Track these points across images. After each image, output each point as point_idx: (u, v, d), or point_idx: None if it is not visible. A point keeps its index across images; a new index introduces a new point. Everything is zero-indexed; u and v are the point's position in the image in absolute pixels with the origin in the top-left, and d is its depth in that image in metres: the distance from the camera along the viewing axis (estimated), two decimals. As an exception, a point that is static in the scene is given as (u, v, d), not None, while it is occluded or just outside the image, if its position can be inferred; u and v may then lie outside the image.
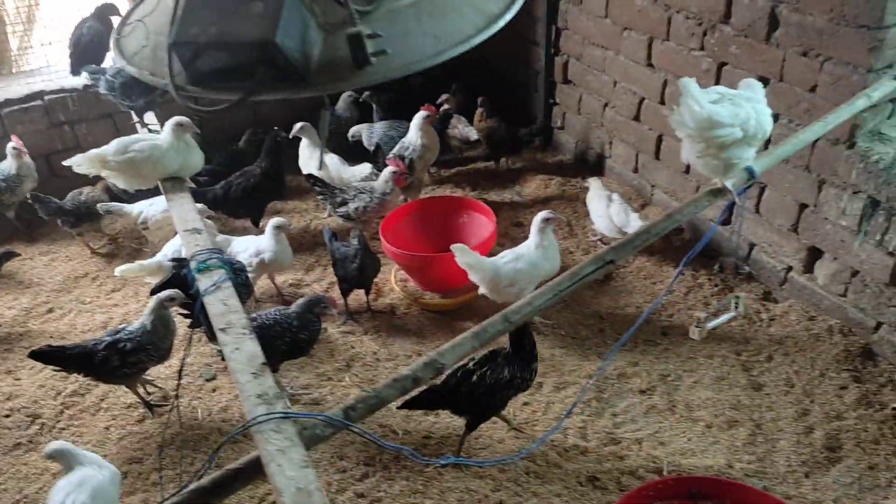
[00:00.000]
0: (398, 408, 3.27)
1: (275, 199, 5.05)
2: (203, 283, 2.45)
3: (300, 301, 3.44)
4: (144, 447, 3.37)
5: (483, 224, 4.53)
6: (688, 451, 3.27)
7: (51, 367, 3.44)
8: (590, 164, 5.49)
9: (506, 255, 3.98)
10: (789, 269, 4.04)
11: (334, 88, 1.93)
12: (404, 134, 5.10)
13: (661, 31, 4.41)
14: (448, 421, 3.48)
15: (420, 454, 2.97)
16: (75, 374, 3.50)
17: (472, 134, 5.58)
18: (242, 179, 4.68)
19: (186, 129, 3.13)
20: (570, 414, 3.30)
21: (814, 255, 3.89)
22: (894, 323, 3.53)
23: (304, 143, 5.07)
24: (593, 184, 4.69)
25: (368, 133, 5.34)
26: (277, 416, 1.86)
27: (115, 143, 3.15)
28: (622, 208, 4.37)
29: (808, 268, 3.94)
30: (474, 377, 3.14)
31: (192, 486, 1.80)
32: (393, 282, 4.47)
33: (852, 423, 3.31)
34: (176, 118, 3.14)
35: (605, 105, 5.16)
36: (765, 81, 3.62)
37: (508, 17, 2.21)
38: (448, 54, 2.05)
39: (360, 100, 5.58)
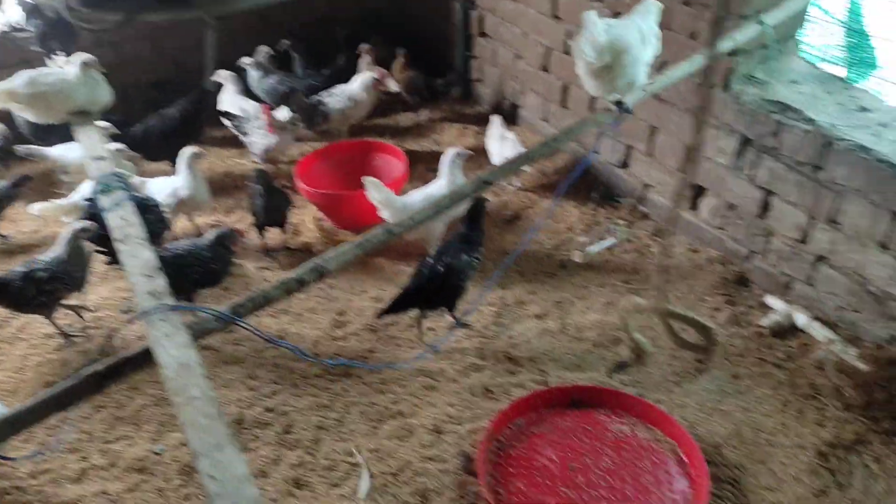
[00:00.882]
0: (377, 317, 3.59)
1: (192, 142, 5.14)
2: (105, 202, 2.61)
3: (210, 232, 3.60)
4: (61, 372, 3.50)
5: (395, 166, 4.73)
6: (574, 366, 3.57)
7: (-33, 298, 3.54)
8: (505, 114, 5.70)
9: (415, 195, 4.19)
10: (677, 206, 4.37)
11: (215, 11, 2.11)
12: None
13: (564, -18, 4.65)
14: (357, 345, 3.71)
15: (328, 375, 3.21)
16: (-6, 306, 3.60)
17: (393, 85, 5.74)
18: (159, 122, 4.74)
19: (91, 65, 3.23)
20: (459, 324, 3.66)
21: (698, 192, 4.23)
22: (762, 251, 3.89)
23: (225, 88, 5.16)
24: (493, 122, 4.96)
25: (258, 81, 5.46)
26: (167, 307, 2.06)
27: (23, 76, 3.22)
28: (513, 145, 4.66)
29: (694, 204, 4.28)
30: (439, 267, 3.45)
31: (87, 370, 1.98)
32: (309, 221, 4.64)
33: (722, 339, 3.65)
34: (82, 55, 3.23)
35: (517, 57, 5.39)
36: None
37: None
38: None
39: (282, 50, 5.66)
